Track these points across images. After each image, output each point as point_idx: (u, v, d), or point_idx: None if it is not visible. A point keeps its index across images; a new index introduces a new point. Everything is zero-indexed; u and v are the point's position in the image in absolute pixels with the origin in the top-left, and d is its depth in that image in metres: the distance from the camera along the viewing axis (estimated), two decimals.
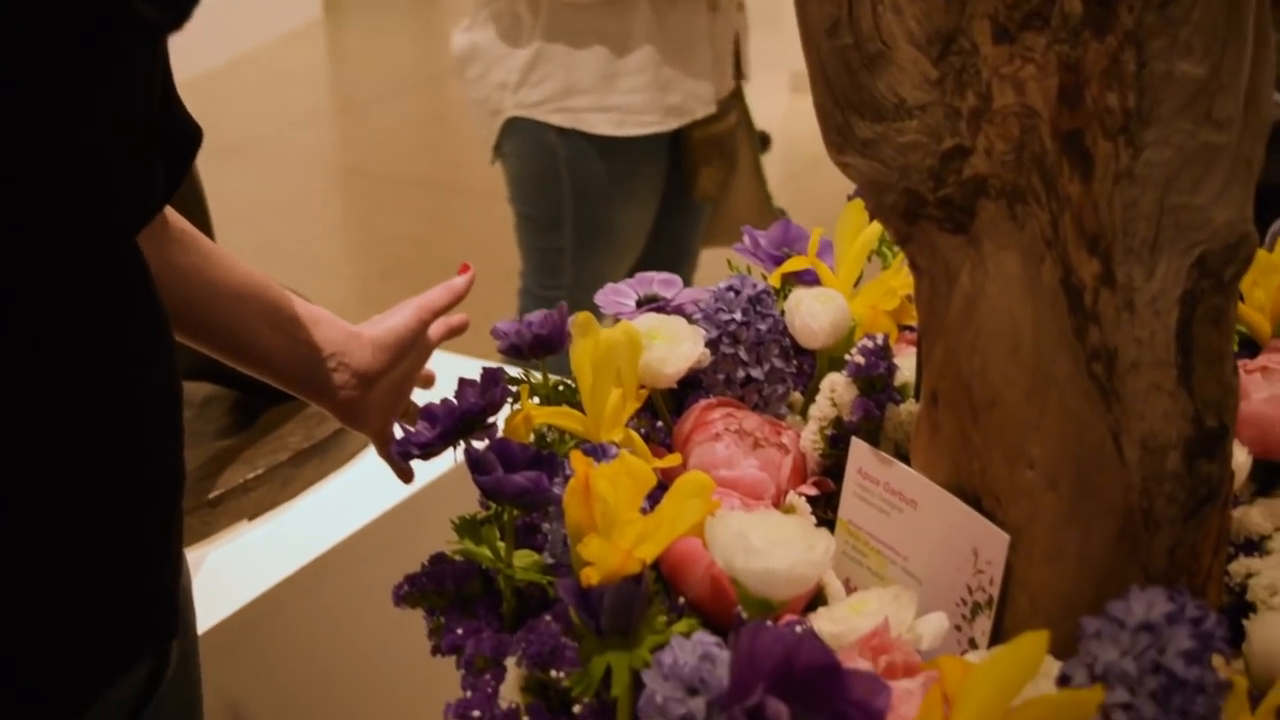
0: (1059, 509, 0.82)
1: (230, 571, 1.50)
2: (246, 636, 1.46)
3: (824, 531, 0.75)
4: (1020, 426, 0.82)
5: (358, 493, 1.62)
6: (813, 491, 1.00)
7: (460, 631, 0.91)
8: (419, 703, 0.89)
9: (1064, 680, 0.69)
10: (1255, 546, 0.96)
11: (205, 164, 1.18)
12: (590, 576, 0.77)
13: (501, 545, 0.90)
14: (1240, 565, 0.93)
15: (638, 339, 0.97)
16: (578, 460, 0.80)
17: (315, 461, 1.64)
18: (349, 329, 1.11)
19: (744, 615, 0.76)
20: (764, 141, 2.54)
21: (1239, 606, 0.92)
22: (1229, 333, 0.77)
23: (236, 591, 1.47)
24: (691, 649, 0.72)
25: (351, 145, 6.08)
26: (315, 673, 1.53)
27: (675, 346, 1.00)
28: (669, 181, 2.50)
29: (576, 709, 0.79)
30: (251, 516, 1.58)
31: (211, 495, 1.54)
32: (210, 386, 1.72)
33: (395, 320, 1.13)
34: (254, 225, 4.70)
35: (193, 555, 1.52)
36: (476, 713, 0.84)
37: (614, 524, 0.77)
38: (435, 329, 1.20)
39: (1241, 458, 0.95)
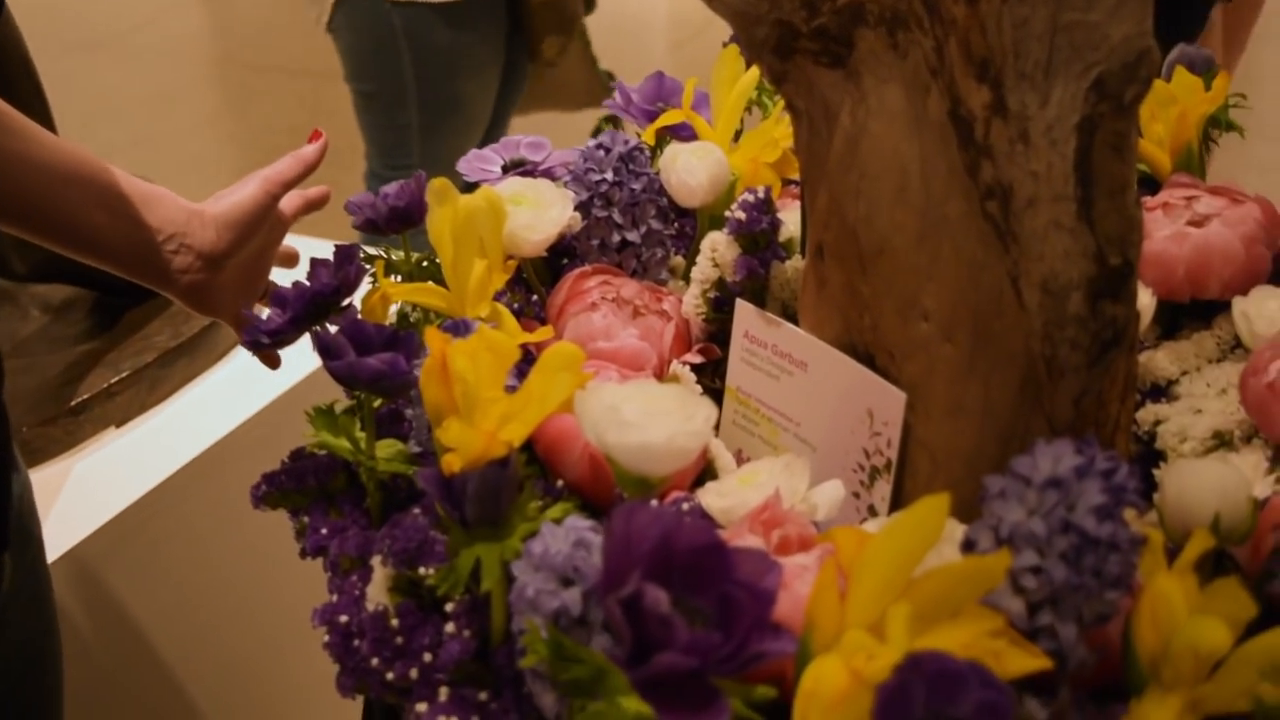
0: (957, 361, 0.76)
1: (99, 482, 1.41)
2: (120, 549, 1.38)
3: (705, 400, 0.69)
4: (912, 275, 0.76)
5: (230, 392, 1.53)
6: (698, 359, 0.93)
7: (324, 531, 0.84)
8: (302, 608, 0.82)
9: (969, 546, 0.64)
10: (1162, 392, 0.92)
11: (71, 60, 1.08)
12: (452, 463, 0.70)
13: (362, 436, 0.82)
14: (1148, 412, 0.89)
15: (500, 205, 0.89)
16: (433, 337, 0.73)
17: (184, 361, 1.54)
18: (190, 208, 1.01)
19: (623, 495, 0.70)
20: (589, 2, 2.45)
21: (1148, 456, 0.88)
22: (1132, 161, 0.71)
23: (107, 503, 1.38)
24: (564, 536, 0.65)
25: (222, 33, 5.83)
26: (193, 582, 1.45)
27: (542, 212, 0.92)
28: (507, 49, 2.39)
29: (448, 607, 0.73)
30: (119, 423, 1.49)
31: (74, 402, 1.44)
32: (68, 288, 1.61)
33: (240, 195, 1.03)
34: (125, 121, 4.49)
35: (58, 467, 1.43)
36: (344, 617, 0.77)
37: (475, 405, 0.70)
38: (290, 202, 1.10)
39: (1145, 299, 0.90)
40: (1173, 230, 0.93)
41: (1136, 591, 0.64)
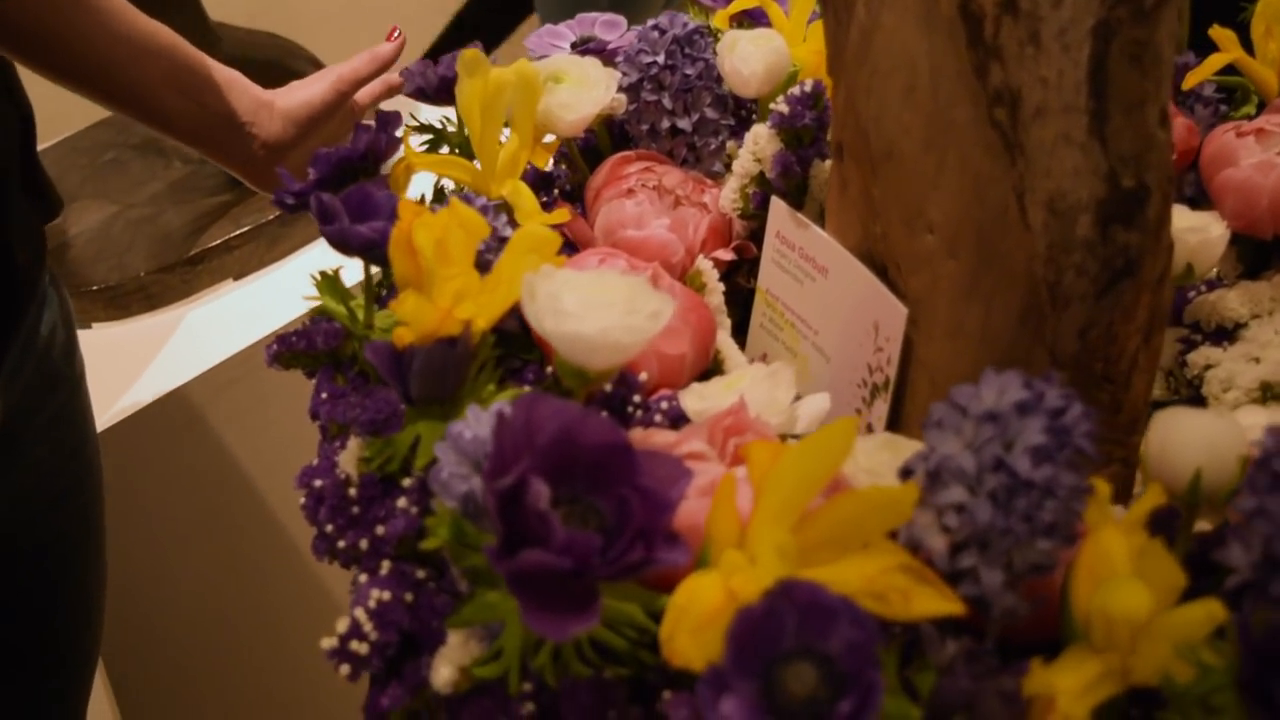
0: (960, 279, 0.71)
1: (211, 330, 1.46)
2: (221, 395, 1.42)
3: (662, 298, 0.65)
4: (918, 182, 0.71)
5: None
6: (729, 256, 0.90)
7: (324, 395, 0.84)
8: None
9: (904, 474, 0.60)
10: (1225, 335, 0.84)
11: None
12: (403, 336, 0.69)
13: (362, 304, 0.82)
14: (1200, 355, 0.82)
15: (534, 80, 0.86)
16: (405, 208, 0.71)
17: (304, 223, 1.57)
18: (260, 98, 1.02)
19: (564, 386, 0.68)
20: None
21: (1196, 404, 0.81)
22: (1154, 75, 0.64)
23: (214, 350, 1.43)
24: (486, 420, 0.63)
25: None
26: (291, 431, 1.49)
27: (582, 91, 0.89)
28: None
29: (405, 482, 0.73)
30: (237, 276, 1.53)
31: (193, 252, 1.48)
32: None
33: (310, 92, 1.04)
34: None
35: (173, 312, 1.48)
36: (319, 482, 0.77)
37: (433, 280, 0.68)
38: (371, 89, 1.11)
39: (1218, 230, 0.82)
40: (1261, 159, 0.84)
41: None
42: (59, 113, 1.80)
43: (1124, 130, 0.65)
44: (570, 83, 0.90)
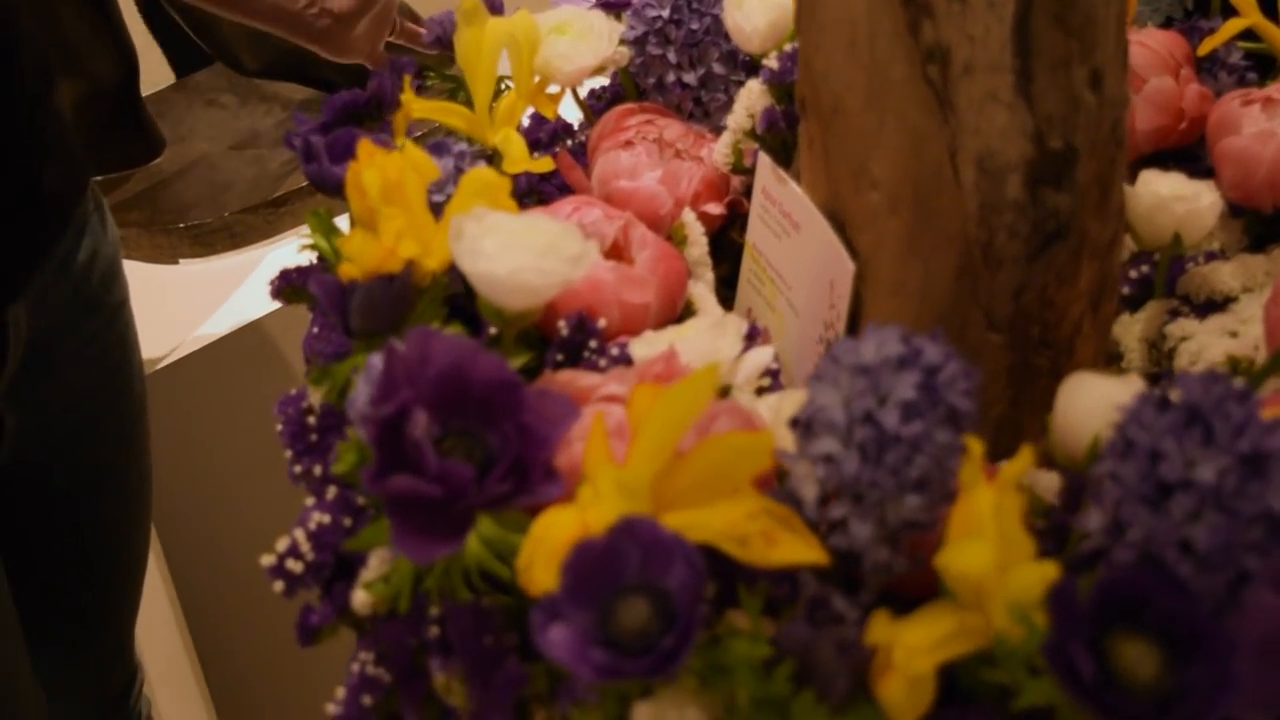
0: (901, 237, 0.71)
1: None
2: (295, 332, 1.48)
3: (587, 244, 0.67)
4: (862, 139, 0.71)
5: None
6: (718, 210, 0.90)
7: (315, 331, 0.88)
8: None
9: (792, 424, 0.61)
10: (1216, 308, 0.82)
11: None
12: (348, 272, 0.72)
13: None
14: (1178, 326, 0.80)
15: (532, 30, 0.88)
16: (363, 149, 0.74)
17: None
18: None
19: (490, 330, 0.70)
20: None
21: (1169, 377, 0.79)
22: (1084, 35, 0.63)
23: None
24: None
25: None
26: None
27: (582, 42, 0.90)
28: None
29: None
30: None
31: (276, 195, 1.54)
32: (308, 90, 1.72)
33: None
34: None
35: (255, 252, 1.54)
36: (290, 409, 0.81)
37: (378, 218, 0.71)
38: None
39: (1210, 198, 0.80)
40: (1262, 128, 0.81)
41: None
42: (170, 57, 1.88)
43: (1049, 90, 0.64)
44: (572, 35, 0.91)
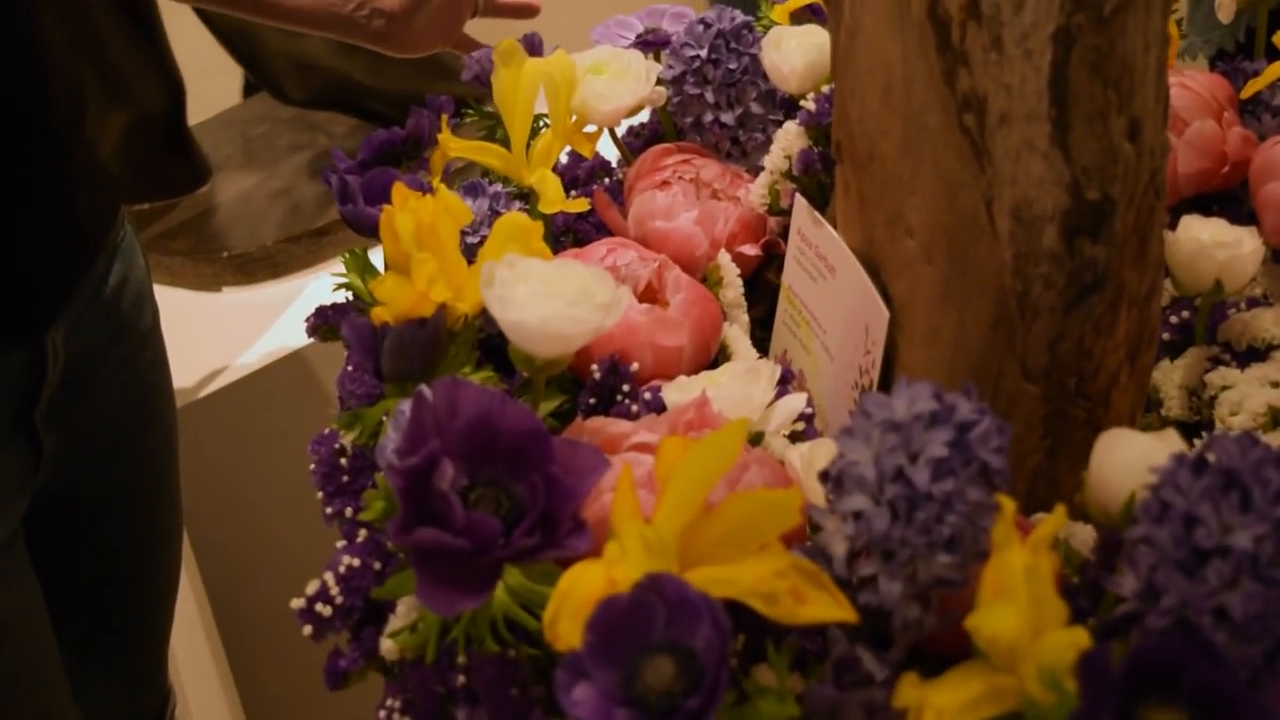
0: (935, 285, 0.70)
1: (331, 298, 1.52)
2: (334, 363, 1.48)
3: (619, 291, 0.67)
4: (898, 186, 0.70)
5: None
6: (755, 251, 0.90)
7: (350, 369, 0.88)
8: None
9: (822, 478, 0.60)
10: (1257, 356, 0.80)
11: None
12: (380, 315, 0.72)
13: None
14: (1219, 375, 0.79)
15: (569, 71, 0.88)
16: (398, 192, 0.74)
17: None
18: None
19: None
20: None
21: (1208, 426, 0.78)
22: (1121, 85, 0.62)
23: None
24: None
25: None
26: None
27: (619, 82, 0.90)
28: None
29: None
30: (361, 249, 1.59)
31: (319, 225, 1.55)
32: (352, 120, 1.73)
33: None
34: None
35: (298, 281, 1.55)
36: (323, 449, 0.81)
37: (410, 262, 0.71)
38: None
39: (1250, 246, 0.79)
40: None
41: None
42: (222, 87, 1.90)
43: (1087, 140, 0.63)
44: (610, 74, 0.91)
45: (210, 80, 1.79)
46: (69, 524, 1.06)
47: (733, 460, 0.56)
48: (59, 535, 1.08)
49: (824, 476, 0.60)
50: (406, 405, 0.66)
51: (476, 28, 1.16)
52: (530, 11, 1.20)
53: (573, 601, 0.56)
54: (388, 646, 0.66)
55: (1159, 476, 0.52)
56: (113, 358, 1.02)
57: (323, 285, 1.54)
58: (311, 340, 1.47)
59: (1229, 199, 0.89)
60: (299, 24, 1.08)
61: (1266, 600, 0.49)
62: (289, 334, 1.46)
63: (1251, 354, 0.80)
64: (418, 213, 0.73)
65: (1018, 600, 0.53)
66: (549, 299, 0.65)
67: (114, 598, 1.14)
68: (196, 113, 1.70)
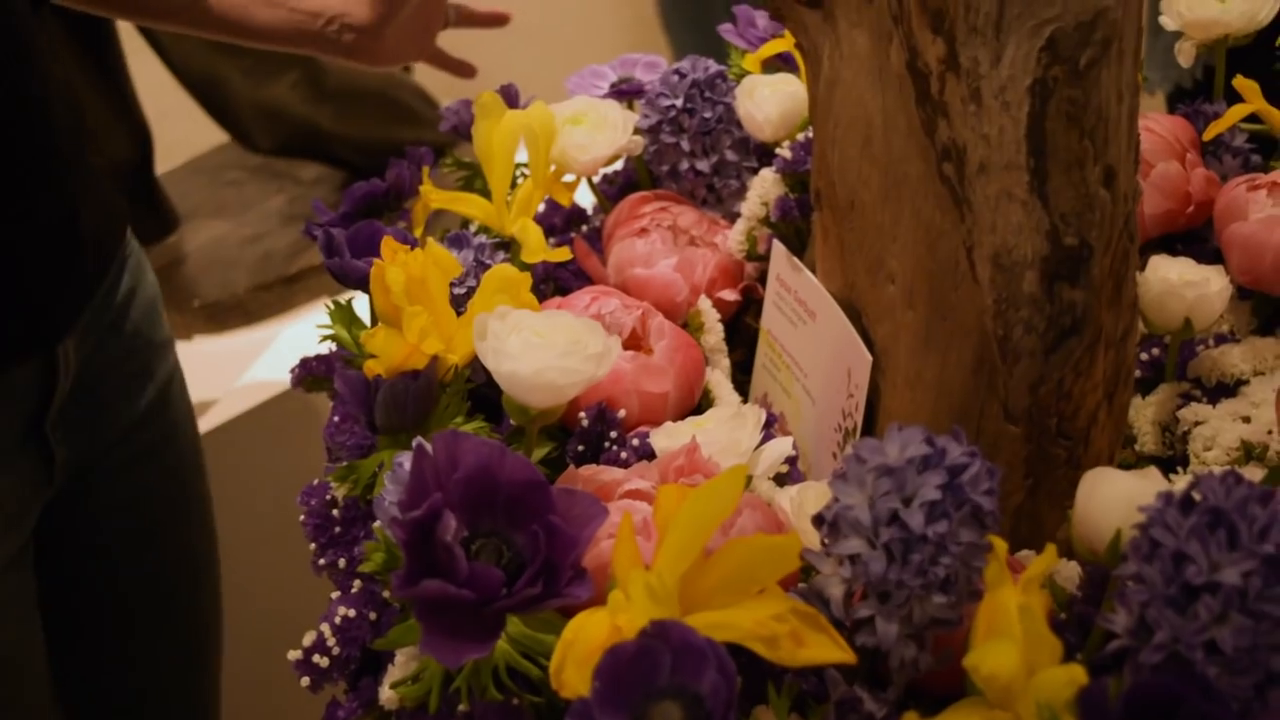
0: (918, 330, 0.72)
1: (307, 345, 1.53)
2: (313, 408, 1.48)
3: (609, 341, 0.68)
4: (878, 234, 0.72)
5: None
6: (734, 296, 0.92)
7: (336, 420, 0.89)
8: None
9: (816, 523, 0.61)
10: (1227, 391, 0.82)
11: None
12: (372, 369, 0.73)
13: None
14: (1190, 411, 0.81)
15: (548, 122, 0.89)
16: (386, 247, 0.75)
17: None
18: None
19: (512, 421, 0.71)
20: None
21: (1183, 461, 0.80)
22: (1095, 134, 0.64)
23: None
24: None
25: None
26: None
27: (598, 133, 0.92)
28: None
29: None
30: (332, 295, 1.60)
31: (292, 271, 1.56)
32: (319, 167, 1.73)
33: None
34: None
35: (270, 329, 1.56)
36: (314, 500, 0.81)
37: (401, 315, 0.72)
38: None
39: (1217, 285, 0.81)
40: (1268, 214, 0.83)
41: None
42: (186, 136, 1.90)
43: (1064, 189, 0.65)
44: (588, 125, 0.93)
45: (173, 123, 1.79)
46: (92, 541, 1.06)
47: (732, 507, 0.58)
48: (84, 557, 1.08)
49: (819, 521, 0.61)
50: (405, 458, 0.67)
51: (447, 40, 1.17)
52: (499, 22, 1.21)
53: (579, 650, 0.57)
54: (388, 696, 0.67)
55: (1147, 515, 0.54)
56: (127, 370, 1.03)
57: (294, 332, 1.55)
58: (284, 389, 1.48)
59: (1193, 238, 0.91)
60: (270, 42, 1.09)
61: (1256, 633, 0.51)
62: (262, 382, 1.47)
63: (1221, 389, 0.82)
64: (407, 266, 0.74)
65: (1013, 638, 0.54)
66: (541, 350, 0.67)
67: (151, 637, 1.13)
68: (162, 155, 1.70)
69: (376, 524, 0.69)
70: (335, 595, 0.74)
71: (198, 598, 1.19)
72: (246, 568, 1.24)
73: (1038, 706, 0.52)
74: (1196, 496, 0.53)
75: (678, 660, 0.54)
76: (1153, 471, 0.64)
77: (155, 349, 1.09)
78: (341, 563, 0.76)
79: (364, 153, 1.61)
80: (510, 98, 0.98)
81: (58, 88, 0.92)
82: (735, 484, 0.57)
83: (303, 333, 1.54)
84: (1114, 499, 0.63)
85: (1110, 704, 0.50)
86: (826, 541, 0.60)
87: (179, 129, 1.82)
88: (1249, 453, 0.76)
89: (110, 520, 1.09)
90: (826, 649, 0.58)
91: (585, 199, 1.05)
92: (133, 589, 1.13)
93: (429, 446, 0.61)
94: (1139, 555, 0.54)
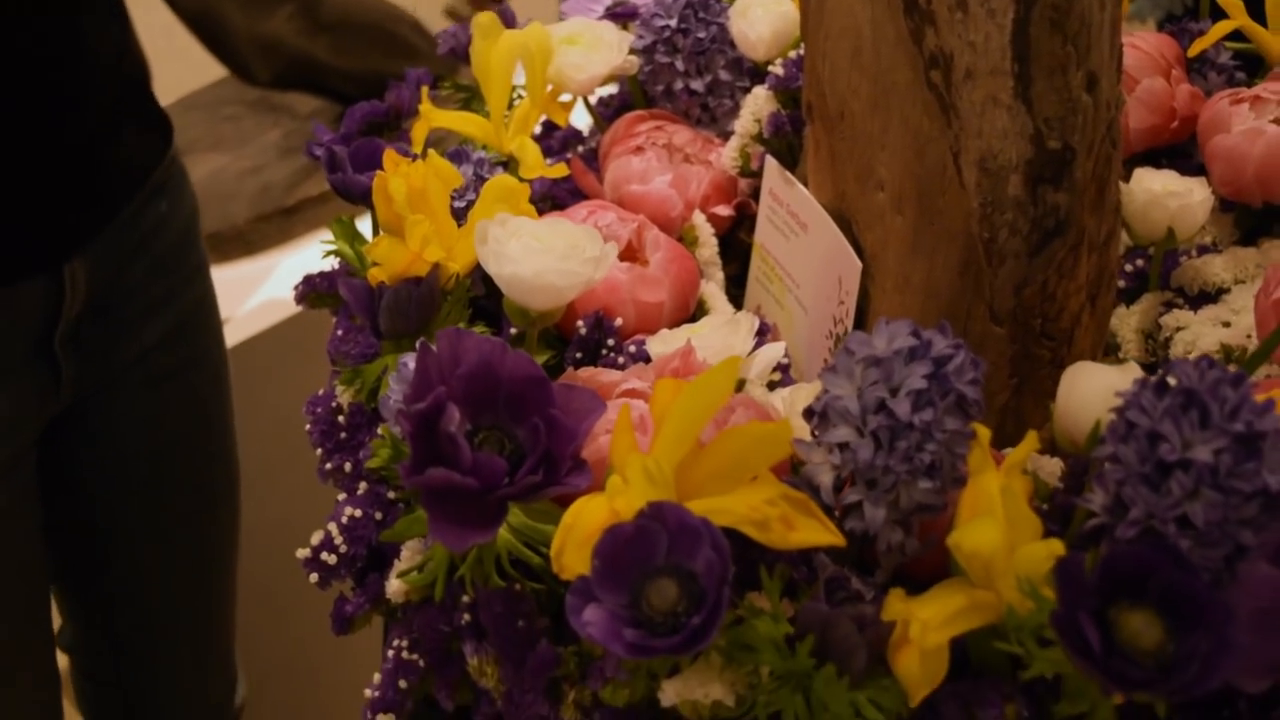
0: (906, 235, 0.74)
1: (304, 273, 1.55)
2: (310, 337, 1.51)
3: (606, 246, 0.70)
4: (868, 142, 0.74)
5: None
6: (728, 211, 0.93)
7: (340, 333, 0.91)
8: None
9: (807, 415, 0.64)
10: (1209, 299, 0.85)
11: None
12: (376, 276, 0.75)
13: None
14: (1173, 317, 0.83)
15: (545, 42, 0.91)
16: (389, 158, 0.77)
17: None
18: None
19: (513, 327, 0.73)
20: None
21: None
22: (1079, 40, 0.66)
23: None
24: None
25: None
26: None
27: (593, 52, 0.93)
28: None
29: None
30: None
31: (290, 203, 1.57)
32: (316, 101, 1.75)
33: None
34: None
35: (270, 259, 1.58)
36: (319, 409, 0.84)
37: (404, 224, 0.74)
38: None
39: (1200, 195, 0.83)
40: (1250, 126, 0.85)
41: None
42: (184, 71, 1.91)
43: (1047, 94, 0.67)
44: (583, 45, 0.94)
45: (179, 62, 1.80)
46: (110, 457, 1.08)
47: (726, 396, 0.60)
48: (102, 472, 1.10)
49: (809, 413, 0.64)
50: (409, 358, 0.69)
51: None
52: None
53: (578, 533, 0.59)
54: (395, 588, 0.70)
55: (1124, 399, 0.56)
56: (152, 293, 1.04)
57: (294, 262, 1.57)
58: (285, 317, 1.50)
59: (1178, 153, 0.93)
60: None
61: (1226, 508, 0.53)
62: (262, 310, 1.49)
63: (1203, 298, 0.84)
64: (409, 177, 0.75)
65: (995, 517, 0.56)
66: (541, 254, 0.69)
67: (167, 554, 1.15)
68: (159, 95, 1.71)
69: (383, 426, 0.71)
70: (341, 498, 0.77)
71: (210, 530, 1.21)
72: (246, 490, 1.26)
73: (1018, 580, 0.55)
74: (1171, 380, 0.56)
75: (674, 540, 0.57)
76: (1132, 365, 0.66)
77: (185, 274, 1.11)
78: (348, 466, 0.78)
79: (360, 85, 1.62)
80: (508, 20, 0.99)
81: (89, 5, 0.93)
82: (729, 375, 0.59)
83: (302, 262, 1.56)
84: (1094, 391, 0.65)
85: (1086, 574, 0.52)
86: (817, 432, 0.62)
87: (174, 71, 1.83)
88: (1228, 355, 0.78)
89: (124, 439, 1.11)
90: (816, 532, 0.60)
91: (583, 122, 1.07)
92: (144, 509, 1.15)
93: (432, 345, 0.63)
94: (1116, 436, 0.56)
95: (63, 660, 1.24)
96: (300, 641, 1.54)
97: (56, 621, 1.17)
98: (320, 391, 0.85)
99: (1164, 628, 0.51)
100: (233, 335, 1.48)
